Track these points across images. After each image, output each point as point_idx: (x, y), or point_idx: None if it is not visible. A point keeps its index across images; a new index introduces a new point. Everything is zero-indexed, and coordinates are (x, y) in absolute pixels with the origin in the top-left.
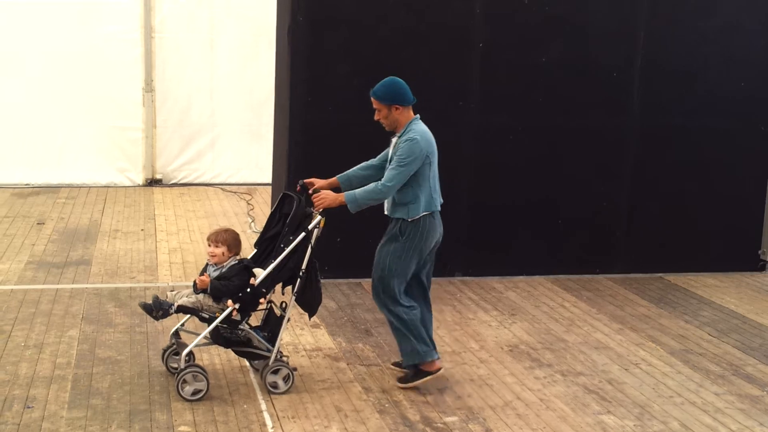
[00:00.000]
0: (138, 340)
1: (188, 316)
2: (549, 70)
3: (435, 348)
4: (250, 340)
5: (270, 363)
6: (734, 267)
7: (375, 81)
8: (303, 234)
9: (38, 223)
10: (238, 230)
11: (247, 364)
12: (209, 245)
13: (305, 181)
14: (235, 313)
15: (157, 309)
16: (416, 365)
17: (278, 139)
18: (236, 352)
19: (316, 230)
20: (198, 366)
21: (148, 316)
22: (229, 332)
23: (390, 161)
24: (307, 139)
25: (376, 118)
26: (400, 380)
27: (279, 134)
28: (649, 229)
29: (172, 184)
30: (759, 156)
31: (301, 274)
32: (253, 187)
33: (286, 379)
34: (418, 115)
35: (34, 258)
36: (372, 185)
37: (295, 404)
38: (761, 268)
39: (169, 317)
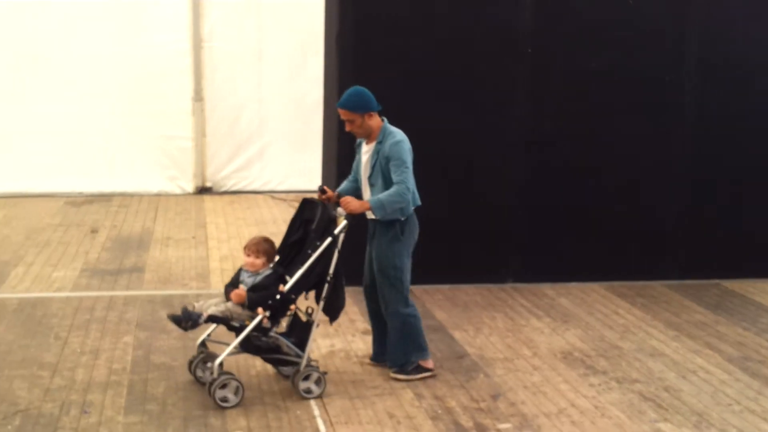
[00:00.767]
0: (191, 347)
1: (215, 325)
2: (599, 74)
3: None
4: (280, 347)
5: (301, 369)
6: None
7: (424, 87)
8: (330, 239)
9: (92, 232)
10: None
11: (273, 370)
12: (248, 255)
13: (323, 186)
14: (265, 320)
15: (186, 320)
16: (403, 365)
17: (327, 146)
18: (265, 360)
19: (342, 235)
20: (230, 374)
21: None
22: (260, 340)
23: (372, 168)
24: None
25: (348, 129)
26: (397, 371)
27: (328, 141)
28: (705, 234)
29: (222, 191)
30: None
31: (328, 279)
32: (301, 194)
33: (318, 383)
34: (385, 119)
35: (88, 265)
36: (394, 189)
37: (348, 410)
38: None
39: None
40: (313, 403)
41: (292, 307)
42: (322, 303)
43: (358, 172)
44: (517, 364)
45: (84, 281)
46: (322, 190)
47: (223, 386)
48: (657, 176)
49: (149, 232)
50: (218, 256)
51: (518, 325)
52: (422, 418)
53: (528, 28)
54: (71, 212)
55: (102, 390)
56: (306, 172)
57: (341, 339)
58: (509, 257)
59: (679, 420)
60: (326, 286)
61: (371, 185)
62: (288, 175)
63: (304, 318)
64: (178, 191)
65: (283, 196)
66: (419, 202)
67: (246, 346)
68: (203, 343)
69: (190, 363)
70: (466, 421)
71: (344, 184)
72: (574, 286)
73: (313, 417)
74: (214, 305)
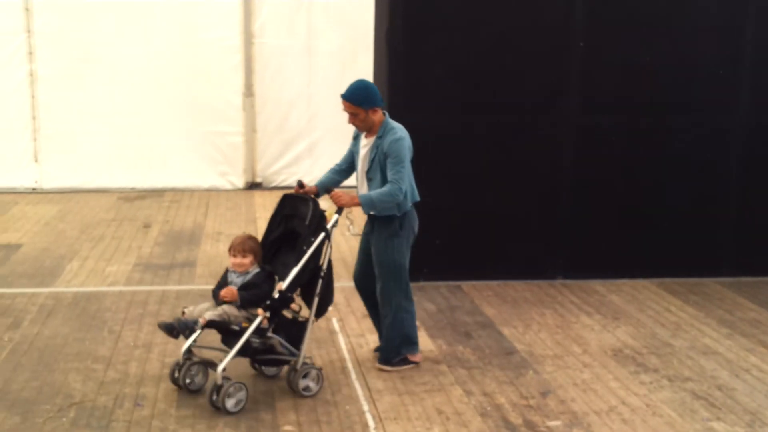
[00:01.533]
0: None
1: (200, 331)
2: (652, 68)
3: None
4: (274, 347)
5: (298, 367)
6: None
7: (474, 84)
8: (323, 234)
9: (144, 227)
10: (336, 233)
11: (257, 370)
12: (235, 255)
13: (301, 180)
14: (265, 321)
15: (183, 329)
16: (391, 359)
17: None
18: (258, 362)
19: (334, 230)
20: (241, 382)
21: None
22: (256, 341)
23: (371, 162)
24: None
25: (351, 122)
26: (384, 362)
27: None
28: (760, 231)
29: (272, 187)
30: None
31: (322, 275)
32: (351, 190)
33: (316, 380)
34: (386, 113)
35: (141, 260)
36: (387, 188)
37: (397, 406)
38: None
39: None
40: (362, 398)
41: (293, 305)
42: (316, 299)
43: (352, 164)
44: (567, 361)
45: (137, 276)
46: (300, 184)
47: (229, 395)
48: (709, 172)
49: (200, 227)
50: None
51: (568, 322)
52: (471, 415)
53: (580, 23)
54: (124, 207)
55: (155, 383)
56: None
57: None
58: (559, 253)
59: (732, 419)
60: (320, 282)
61: (369, 179)
62: None
63: (289, 315)
64: (228, 186)
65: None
66: (418, 198)
67: (245, 350)
68: (189, 350)
69: (175, 371)
70: (515, 418)
71: (326, 176)
72: (625, 283)
73: (362, 412)
74: (207, 310)
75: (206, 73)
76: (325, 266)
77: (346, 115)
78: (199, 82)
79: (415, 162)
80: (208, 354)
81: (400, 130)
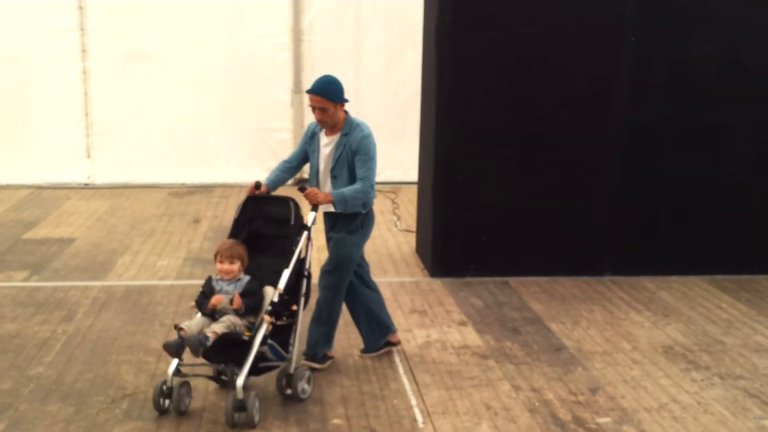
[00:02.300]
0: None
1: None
2: (704, 64)
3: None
4: (264, 354)
5: (292, 371)
6: None
7: (523, 80)
8: (306, 233)
9: (194, 221)
10: (383, 228)
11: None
12: (222, 262)
13: (259, 182)
14: (269, 327)
15: (197, 347)
16: (315, 355)
17: (424, 138)
18: (255, 371)
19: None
20: (257, 394)
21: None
22: (262, 349)
23: (336, 160)
24: (453, 139)
25: (319, 118)
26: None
27: (425, 134)
28: None
29: None
30: None
31: (306, 274)
32: (397, 186)
33: (309, 381)
34: (347, 110)
35: (190, 254)
36: (358, 186)
37: (445, 401)
38: None
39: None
40: (410, 392)
41: (294, 306)
42: (303, 300)
43: (302, 161)
44: (617, 358)
45: (187, 270)
46: (258, 185)
47: (256, 407)
48: (761, 168)
49: None
50: (315, 246)
51: (617, 319)
52: (519, 410)
53: (630, 17)
54: (174, 203)
55: None
56: (402, 164)
57: (437, 330)
58: (607, 249)
59: None
60: (305, 281)
61: (333, 177)
62: (384, 167)
63: (285, 320)
64: None
65: (379, 187)
66: (375, 195)
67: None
68: (178, 371)
69: (163, 393)
70: (564, 414)
71: (275, 174)
72: (675, 280)
73: (410, 407)
74: (206, 324)
75: (256, 70)
76: (308, 265)
77: (394, 112)
78: (249, 79)
79: (462, 158)
80: (188, 370)
81: (365, 126)
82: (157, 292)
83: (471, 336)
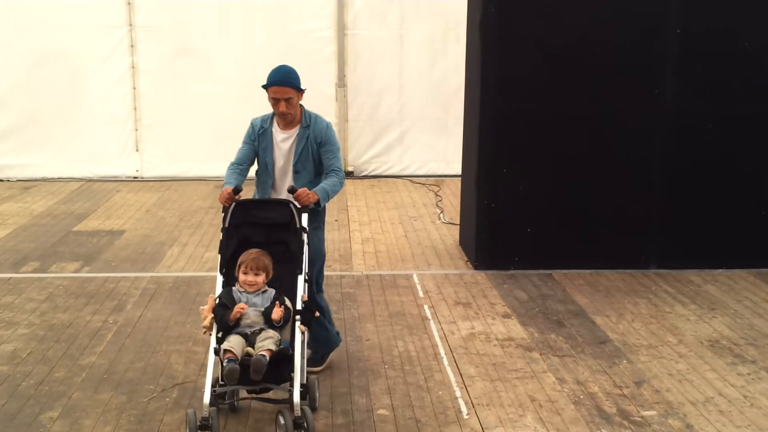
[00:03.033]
0: (336, 326)
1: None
2: (750, 56)
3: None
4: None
5: (305, 380)
6: None
7: (568, 72)
8: (305, 235)
9: None
10: (427, 221)
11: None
12: (246, 273)
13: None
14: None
15: (260, 369)
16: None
17: (468, 131)
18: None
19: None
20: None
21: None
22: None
23: (299, 155)
24: (497, 131)
25: (285, 109)
26: (314, 364)
27: (469, 126)
28: None
29: (363, 176)
30: None
31: (306, 278)
32: (440, 178)
33: (318, 388)
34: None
35: None
36: (335, 179)
37: (489, 392)
38: None
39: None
40: (454, 384)
41: (317, 313)
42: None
43: (251, 162)
44: (662, 351)
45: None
46: (237, 191)
47: (301, 425)
48: None
49: None
50: (360, 239)
51: (662, 312)
52: (564, 402)
53: (676, 8)
54: None
55: None
56: (445, 157)
57: (481, 322)
58: (652, 242)
59: None
60: (305, 285)
61: (296, 172)
62: (427, 160)
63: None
64: None
65: (422, 180)
66: None
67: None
68: (215, 400)
69: (202, 428)
70: (609, 407)
71: (234, 178)
72: (721, 273)
73: (455, 398)
74: (264, 341)
75: (300, 64)
76: (306, 267)
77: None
78: None
79: (506, 150)
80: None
81: (322, 117)
82: (205, 283)
83: (515, 328)
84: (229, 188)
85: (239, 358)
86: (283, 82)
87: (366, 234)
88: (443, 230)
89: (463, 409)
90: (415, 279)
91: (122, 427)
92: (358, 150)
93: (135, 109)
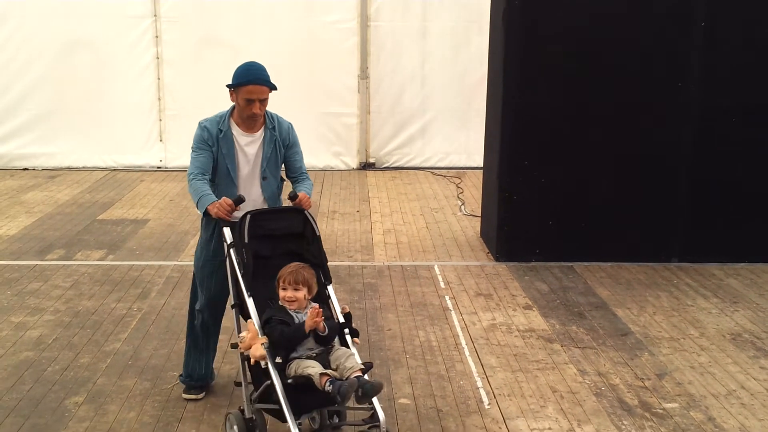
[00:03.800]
0: (357, 315)
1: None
2: None
3: None
4: None
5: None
6: None
7: (591, 64)
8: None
9: None
10: (448, 213)
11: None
12: (285, 288)
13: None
14: None
15: (346, 393)
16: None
17: (490, 123)
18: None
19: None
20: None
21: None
22: None
23: (268, 159)
24: (520, 124)
25: (258, 111)
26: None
27: (491, 119)
28: None
29: (384, 167)
30: None
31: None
32: (462, 171)
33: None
34: None
35: None
36: (309, 182)
37: (510, 383)
38: None
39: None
40: (475, 374)
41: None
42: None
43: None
44: (684, 344)
45: None
46: (240, 201)
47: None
48: None
49: (315, 206)
50: (381, 230)
51: (684, 305)
52: (585, 394)
53: (701, 1)
54: None
55: None
56: (467, 149)
57: (502, 313)
58: (674, 235)
59: None
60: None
61: (264, 179)
62: (449, 152)
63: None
64: (342, 167)
65: (443, 172)
66: None
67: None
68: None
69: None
70: (630, 399)
71: (209, 188)
72: (744, 267)
73: (476, 388)
74: (314, 365)
75: (323, 56)
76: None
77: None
78: (317, 65)
79: (528, 143)
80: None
81: (280, 115)
82: None
83: (536, 320)
84: (228, 199)
85: (342, 378)
86: (261, 81)
87: (387, 225)
88: (464, 222)
89: (485, 399)
90: (437, 270)
91: (146, 413)
92: (379, 141)
93: (159, 99)
